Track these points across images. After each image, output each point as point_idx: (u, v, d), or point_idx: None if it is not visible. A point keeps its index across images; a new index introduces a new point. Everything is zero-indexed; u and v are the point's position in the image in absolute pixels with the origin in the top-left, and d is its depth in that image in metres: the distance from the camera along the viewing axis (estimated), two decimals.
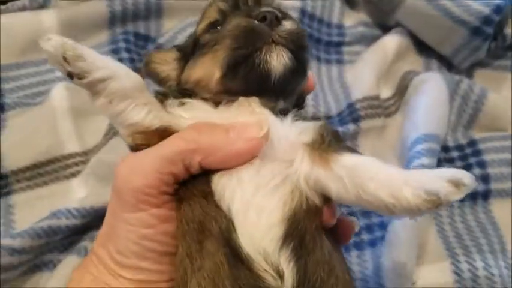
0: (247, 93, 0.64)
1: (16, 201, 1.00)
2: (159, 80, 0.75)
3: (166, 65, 0.75)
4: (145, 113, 0.62)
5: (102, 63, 0.59)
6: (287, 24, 0.63)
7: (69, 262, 0.92)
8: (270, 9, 0.63)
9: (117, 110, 0.61)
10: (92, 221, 0.94)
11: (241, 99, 0.65)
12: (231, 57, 0.63)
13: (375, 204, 0.56)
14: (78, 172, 1.03)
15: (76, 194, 1.00)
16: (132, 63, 1.15)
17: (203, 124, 0.62)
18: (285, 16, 0.65)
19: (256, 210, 0.58)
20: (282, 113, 0.65)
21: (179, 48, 0.76)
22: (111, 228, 0.64)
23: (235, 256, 0.57)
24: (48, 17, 1.18)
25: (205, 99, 0.67)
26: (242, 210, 0.58)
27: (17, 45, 1.16)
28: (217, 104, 0.66)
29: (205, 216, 0.59)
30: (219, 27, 0.67)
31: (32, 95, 1.13)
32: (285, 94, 0.67)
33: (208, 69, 0.65)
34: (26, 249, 0.87)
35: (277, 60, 0.62)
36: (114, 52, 1.15)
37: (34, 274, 0.92)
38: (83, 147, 1.06)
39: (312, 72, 0.74)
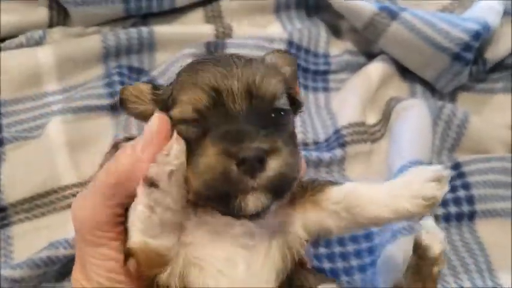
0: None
1: (15, 232, 1.03)
2: (136, 115, 0.67)
3: (141, 102, 0.65)
4: None
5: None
6: (272, 167, 0.54)
7: None
8: (254, 144, 0.53)
9: None
10: None
11: None
12: (203, 193, 0.57)
13: (375, 223, 0.62)
14: None
15: None
16: None
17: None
18: (273, 150, 0.55)
19: None
20: None
21: (156, 93, 0.65)
22: (81, 267, 0.66)
23: None
24: (44, 53, 1.22)
25: None
26: None
27: (15, 81, 1.20)
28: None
29: None
30: (197, 125, 0.59)
31: (29, 128, 1.16)
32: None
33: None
34: (26, 279, 0.90)
35: (254, 206, 0.55)
36: (109, 85, 1.19)
37: None
38: (79, 178, 1.08)
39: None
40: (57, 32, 1.29)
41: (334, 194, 0.62)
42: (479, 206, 1.07)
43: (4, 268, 0.89)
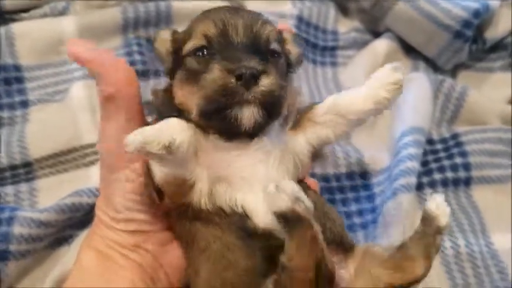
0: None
1: (39, 185, 1.09)
2: (161, 59, 0.77)
3: (165, 47, 0.75)
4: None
5: (177, 137, 0.61)
6: (264, 82, 0.64)
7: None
8: (251, 64, 0.64)
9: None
10: None
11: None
12: (205, 107, 0.65)
13: (364, 117, 0.71)
14: (97, 160, 1.12)
15: (94, 178, 1.09)
16: (144, 64, 1.25)
17: None
18: (265, 70, 0.65)
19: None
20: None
21: (175, 36, 0.75)
22: (104, 193, 0.75)
23: (250, 234, 0.66)
24: (67, 23, 1.28)
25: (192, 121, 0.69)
26: (256, 201, 0.67)
27: (38, 48, 1.26)
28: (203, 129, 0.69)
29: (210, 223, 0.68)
30: (205, 52, 0.69)
31: (52, 93, 1.22)
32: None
33: (188, 101, 0.69)
34: (52, 222, 0.96)
35: (248, 117, 0.64)
36: (128, 54, 1.25)
37: (56, 248, 1.01)
38: None
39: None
40: (79, 3, 1.35)
41: (322, 107, 0.73)
42: (475, 173, 1.14)
43: (33, 211, 0.96)
